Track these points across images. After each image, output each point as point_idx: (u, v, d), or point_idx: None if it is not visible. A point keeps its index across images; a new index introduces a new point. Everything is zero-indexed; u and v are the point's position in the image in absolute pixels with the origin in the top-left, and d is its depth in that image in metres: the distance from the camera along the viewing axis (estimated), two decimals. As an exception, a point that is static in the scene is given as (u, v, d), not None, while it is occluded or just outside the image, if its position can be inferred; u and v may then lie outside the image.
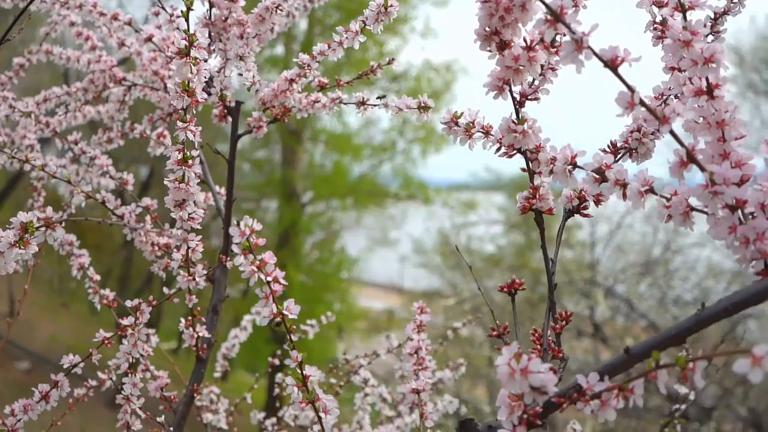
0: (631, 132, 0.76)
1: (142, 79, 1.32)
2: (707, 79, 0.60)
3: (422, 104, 0.94)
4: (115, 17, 1.17)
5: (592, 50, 0.56)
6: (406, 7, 10.51)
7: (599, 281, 6.10)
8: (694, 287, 7.11)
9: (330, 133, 11.57)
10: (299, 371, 0.72)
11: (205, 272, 0.99)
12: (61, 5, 1.23)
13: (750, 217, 0.58)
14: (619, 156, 0.77)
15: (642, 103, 0.56)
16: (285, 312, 0.70)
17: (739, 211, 0.58)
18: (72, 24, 1.28)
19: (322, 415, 0.72)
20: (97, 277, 1.18)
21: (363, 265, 12.13)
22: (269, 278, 0.69)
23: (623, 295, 6.35)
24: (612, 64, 0.56)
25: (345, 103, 1.04)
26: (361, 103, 1.02)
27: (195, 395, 1.08)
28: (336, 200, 11.58)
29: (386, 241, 12.30)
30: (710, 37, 0.79)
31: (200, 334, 1.06)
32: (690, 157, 0.57)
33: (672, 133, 0.57)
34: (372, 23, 0.93)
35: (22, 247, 0.74)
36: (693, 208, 0.61)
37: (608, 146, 0.77)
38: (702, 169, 0.57)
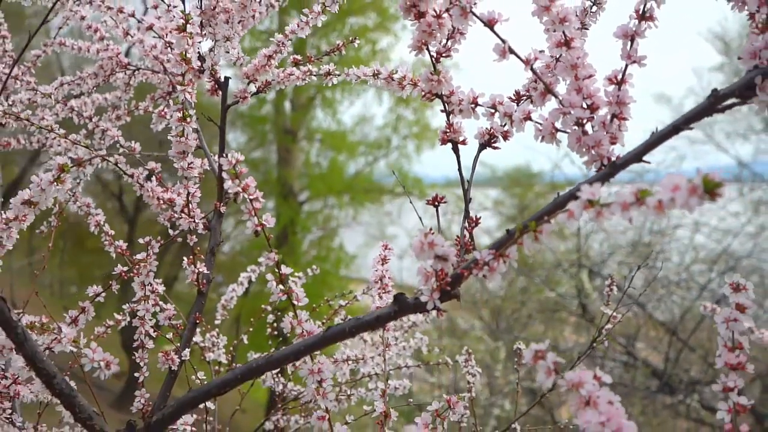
0: (530, 82, 0.97)
1: (143, 64, 1.54)
2: (564, 33, 0.81)
3: (376, 72, 1.15)
4: (120, 10, 1.38)
5: (474, 14, 0.78)
6: (397, 6, 10.70)
7: (584, 263, 6.33)
8: (683, 270, 7.35)
9: (325, 131, 11.78)
10: (277, 270, 0.94)
11: (203, 216, 1.21)
12: (74, 2, 1.45)
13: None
14: (522, 102, 0.98)
15: (511, 50, 0.78)
16: (264, 222, 0.92)
17: (589, 127, 0.80)
18: (83, 18, 1.50)
19: (295, 302, 0.94)
20: (112, 232, 1.39)
21: (361, 262, 12.31)
22: (252, 197, 0.91)
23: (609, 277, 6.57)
24: (490, 23, 0.78)
25: (315, 75, 1.26)
26: (327, 74, 1.25)
27: (197, 322, 1.30)
28: (333, 198, 11.78)
29: (384, 237, 12.49)
30: (594, 8, 1.01)
31: (200, 271, 1.27)
32: (547, 90, 0.79)
33: (533, 71, 0.78)
34: (330, 4, 1.16)
35: (59, 183, 0.95)
36: (558, 129, 0.82)
37: (513, 94, 0.99)
38: (555, 96, 0.78)
